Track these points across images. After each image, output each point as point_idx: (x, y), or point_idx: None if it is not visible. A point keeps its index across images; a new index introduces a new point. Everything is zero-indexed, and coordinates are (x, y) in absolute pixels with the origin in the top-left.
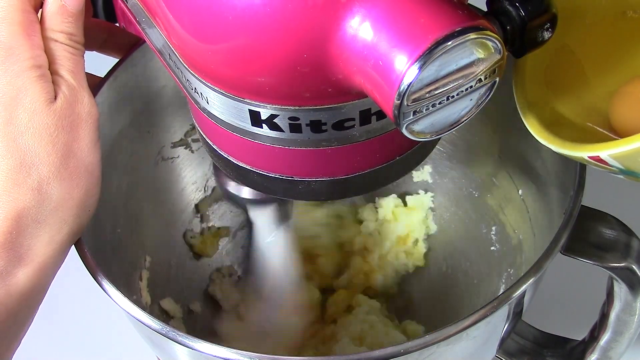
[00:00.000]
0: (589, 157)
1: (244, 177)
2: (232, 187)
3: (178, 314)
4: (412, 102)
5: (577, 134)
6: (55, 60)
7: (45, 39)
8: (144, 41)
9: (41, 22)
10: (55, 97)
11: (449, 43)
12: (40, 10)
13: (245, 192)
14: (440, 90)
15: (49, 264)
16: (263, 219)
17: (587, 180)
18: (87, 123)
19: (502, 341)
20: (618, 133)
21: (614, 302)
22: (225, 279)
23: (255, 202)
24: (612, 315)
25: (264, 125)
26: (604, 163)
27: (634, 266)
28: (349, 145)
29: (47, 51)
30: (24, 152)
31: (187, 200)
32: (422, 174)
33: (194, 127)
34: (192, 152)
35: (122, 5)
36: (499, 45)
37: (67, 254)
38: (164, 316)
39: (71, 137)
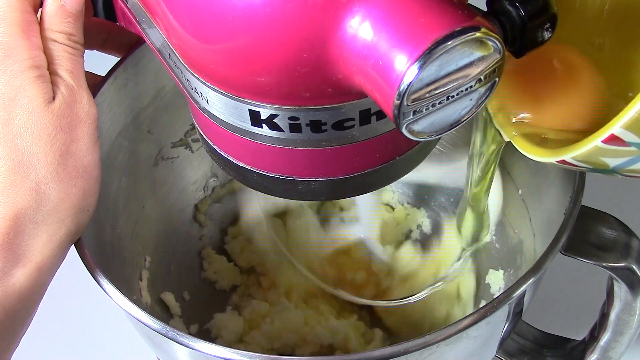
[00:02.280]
0: (557, 161)
1: (244, 177)
2: None
3: (177, 311)
4: (412, 102)
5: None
6: (54, 61)
7: (44, 39)
8: (144, 41)
9: (40, 22)
10: (54, 98)
11: (449, 43)
12: (40, 10)
13: None
14: (440, 90)
15: (47, 264)
16: None
17: (587, 180)
18: (86, 123)
19: (502, 341)
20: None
21: (614, 302)
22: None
23: None
24: (612, 315)
25: (263, 125)
26: (573, 165)
27: (634, 266)
28: (349, 145)
29: (46, 51)
30: (22, 152)
31: (187, 200)
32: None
33: (194, 127)
34: (192, 152)
35: (122, 5)
36: (499, 45)
37: (66, 254)
38: (164, 311)
39: (69, 138)
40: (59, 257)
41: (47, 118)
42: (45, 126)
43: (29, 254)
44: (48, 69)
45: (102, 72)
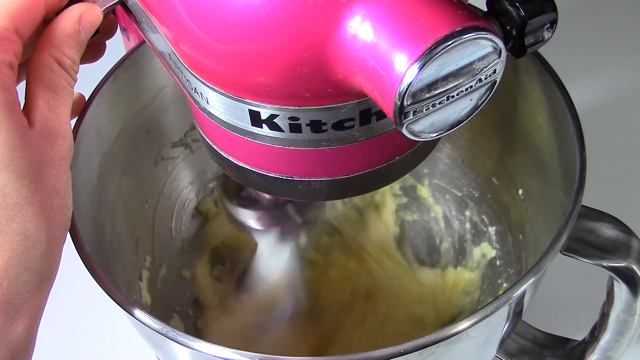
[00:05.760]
0: None
1: (244, 177)
2: (238, 214)
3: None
4: (412, 102)
5: None
6: (49, 85)
7: (47, 54)
8: (144, 41)
9: (48, 36)
10: (32, 126)
11: (449, 43)
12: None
13: (251, 221)
14: (440, 90)
15: (43, 306)
16: (267, 242)
17: (587, 180)
18: (65, 160)
19: (502, 341)
20: None
21: (614, 302)
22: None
23: (261, 230)
24: (612, 315)
25: (264, 125)
26: None
27: (634, 266)
28: (349, 145)
29: (44, 69)
30: (2, 193)
31: (187, 200)
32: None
33: (194, 127)
34: (192, 152)
35: (122, 5)
36: (499, 45)
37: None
38: (164, 311)
39: (51, 173)
40: (47, 296)
41: (27, 152)
42: (25, 162)
43: (27, 303)
44: (30, 87)
45: (102, 72)
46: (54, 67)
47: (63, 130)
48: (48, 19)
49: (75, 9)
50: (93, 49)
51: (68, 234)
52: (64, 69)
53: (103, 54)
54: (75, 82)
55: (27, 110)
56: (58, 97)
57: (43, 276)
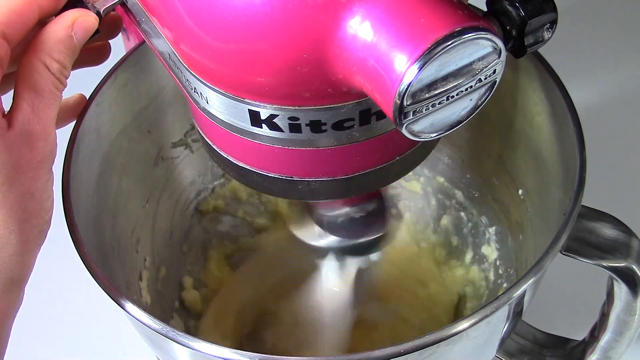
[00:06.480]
0: None
1: (244, 177)
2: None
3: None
4: (411, 102)
5: None
6: (34, 87)
7: (35, 58)
8: (144, 41)
9: (39, 40)
10: (11, 128)
11: (449, 43)
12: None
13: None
14: (440, 91)
15: (13, 309)
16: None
17: (587, 180)
18: (45, 163)
19: (502, 341)
20: None
21: (614, 302)
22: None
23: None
24: (612, 315)
25: (263, 125)
26: None
27: (634, 266)
28: (349, 145)
29: (32, 72)
30: None
31: (187, 200)
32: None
33: (194, 127)
34: (192, 152)
35: (122, 5)
36: (498, 45)
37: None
38: (164, 311)
39: (29, 176)
40: (19, 300)
41: (4, 155)
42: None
43: None
44: (16, 89)
45: (102, 72)
46: (40, 70)
47: (45, 133)
48: (45, 23)
49: (68, 15)
50: (97, 52)
51: (67, 233)
52: (52, 72)
53: (108, 57)
54: (65, 86)
55: (11, 111)
56: (43, 100)
57: (12, 278)
